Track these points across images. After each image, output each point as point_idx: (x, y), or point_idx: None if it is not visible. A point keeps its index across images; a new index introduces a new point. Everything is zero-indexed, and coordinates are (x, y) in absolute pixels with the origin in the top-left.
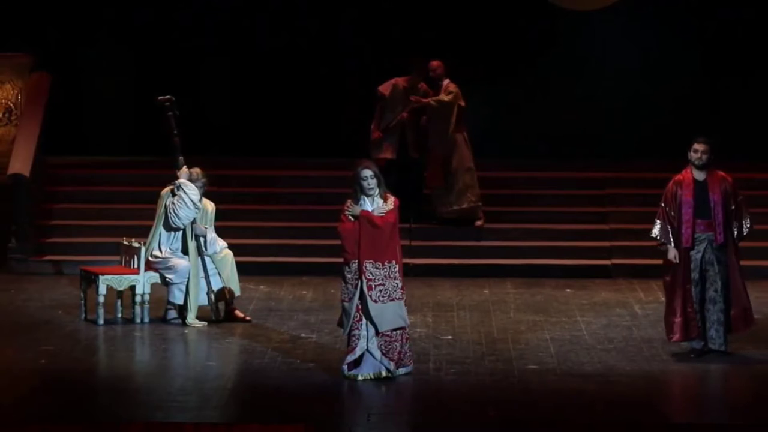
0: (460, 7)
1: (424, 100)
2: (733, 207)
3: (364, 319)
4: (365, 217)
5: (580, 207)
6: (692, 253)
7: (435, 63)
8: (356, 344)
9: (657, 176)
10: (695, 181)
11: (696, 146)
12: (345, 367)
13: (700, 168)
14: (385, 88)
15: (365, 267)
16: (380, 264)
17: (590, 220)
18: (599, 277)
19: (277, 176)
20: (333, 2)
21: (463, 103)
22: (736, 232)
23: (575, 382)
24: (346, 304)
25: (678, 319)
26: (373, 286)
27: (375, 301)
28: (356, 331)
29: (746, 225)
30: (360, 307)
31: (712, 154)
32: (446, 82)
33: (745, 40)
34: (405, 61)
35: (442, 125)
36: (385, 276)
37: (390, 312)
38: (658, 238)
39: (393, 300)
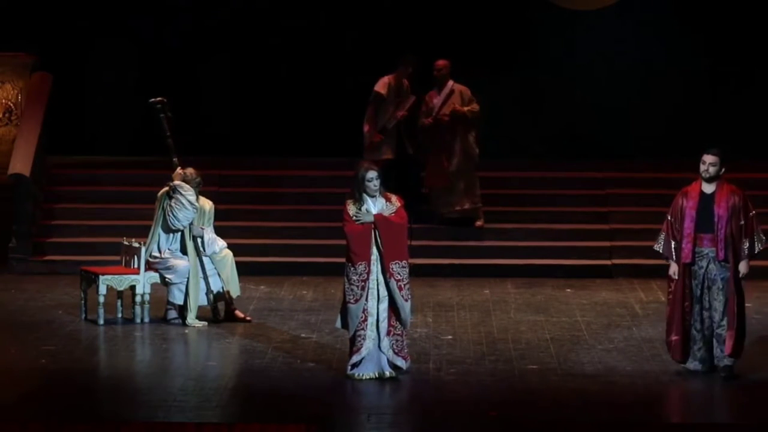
0: (460, 6)
1: (460, 109)
2: (742, 222)
3: (369, 320)
4: (382, 220)
5: (580, 207)
6: (694, 268)
7: (441, 62)
8: (362, 344)
9: (657, 176)
10: (702, 193)
11: (704, 157)
12: (349, 367)
13: (707, 180)
14: (381, 88)
15: (392, 269)
16: (405, 263)
17: (591, 220)
18: (600, 277)
19: (277, 176)
20: (334, 2)
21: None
22: (747, 250)
23: (576, 382)
24: (352, 306)
25: (675, 338)
26: (403, 286)
27: (406, 300)
28: (362, 332)
29: (758, 243)
30: (366, 308)
31: (722, 166)
32: (451, 83)
33: (746, 40)
34: (398, 59)
35: (467, 142)
36: (407, 274)
37: (411, 308)
38: (661, 252)
39: (410, 297)
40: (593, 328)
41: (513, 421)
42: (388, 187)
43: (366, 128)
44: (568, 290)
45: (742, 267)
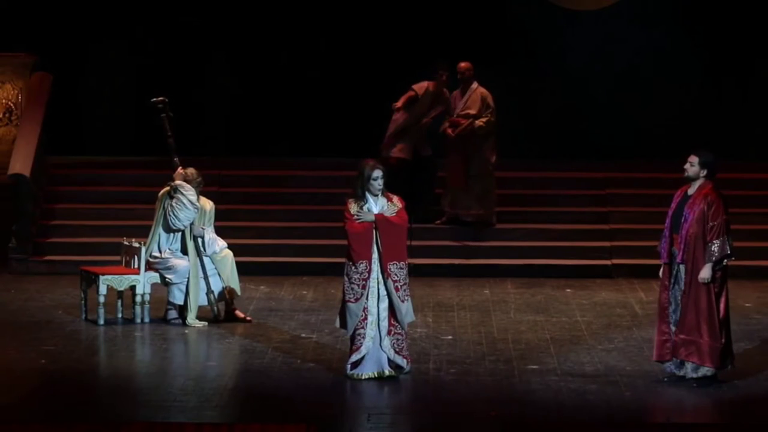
0: (460, 6)
1: (465, 123)
2: (710, 225)
3: (369, 319)
4: (383, 220)
5: (580, 207)
6: (671, 268)
7: (464, 65)
8: (361, 343)
9: (657, 176)
10: (685, 194)
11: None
12: (348, 366)
13: (687, 180)
14: (419, 88)
15: (390, 269)
16: (403, 264)
17: (591, 220)
18: (600, 277)
19: (278, 176)
20: (334, 3)
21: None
22: (709, 255)
23: (575, 382)
24: (351, 305)
25: (656, 338)
26: (399, 287)
27: (402, 301)
28: (361, 331)
29: (718, 248)
30: (366, 307)
31: (702, 168)
32: (475, 85)
33: (746, 40)
34: (412, 61)
35: (485, 147)
36: (405, 275)
37: (409, 309)
38: (658, 250)
39: (409, 296)
40: (593, 328)
41: (513, 421)
42: (398, 186)
43: (392, 121)
44: (568, 290)
45: (702, 272)
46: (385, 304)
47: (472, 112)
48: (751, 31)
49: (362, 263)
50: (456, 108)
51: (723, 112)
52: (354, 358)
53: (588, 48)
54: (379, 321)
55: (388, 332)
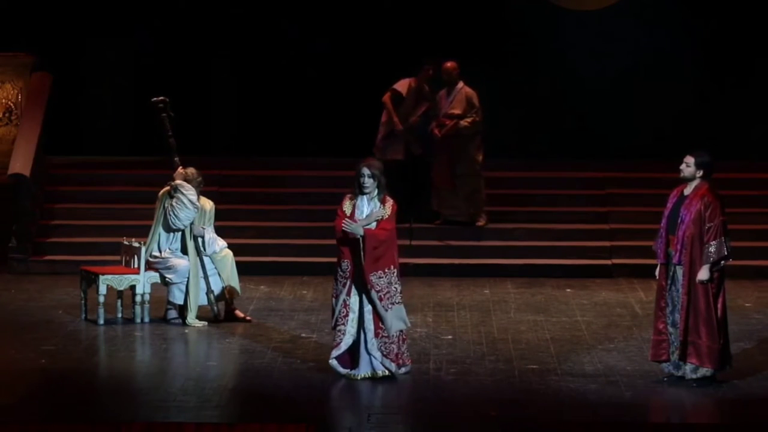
0: (460, 6)
1: (450, 124)
2: (707, 227)
3: (350, 315)
4: (370, 236)
5: (580, 207)
6: (668, 269)
7: (450, 64)
8: (341, 339)
9: (657, 176)
10: (681, 194)
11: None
12: (334, 361)
13: (684, 180)
14: (402, 87)
15: (372, 280)
16: (382, 272)
17: (591, 220)
18: (600, 276)
19: (278, 176)
20: (335, 3)
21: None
22: (707, 256)
23: (575, 382)
24: (333, 300)
25: (652, 337)
26: (383, 296)
27: (386, 309)
28: (342, 327)
29: (715, 249)
30: (347, 303)
31: (698, 168)
32: (461, 85)
33: (745, 40)
34: (412, 61)
35: (470, 147)
36: (387, 283)
37: (394, 317)
38: (653, 249)
39: (395, 304)
40: (593, 328)
41: (513, 421)
42: (394, 187)
43: (383, 129)
44: (568, 290)
45: (700, 274)
46: (369, 307)
47: (457, 112)
48: (751, 31)
49: (345, 262)
50: (442, 108)
51: (723, 112)
52: (335, 353)
53: (588, 48)
54: (365, 322)
55: (375, 335)
